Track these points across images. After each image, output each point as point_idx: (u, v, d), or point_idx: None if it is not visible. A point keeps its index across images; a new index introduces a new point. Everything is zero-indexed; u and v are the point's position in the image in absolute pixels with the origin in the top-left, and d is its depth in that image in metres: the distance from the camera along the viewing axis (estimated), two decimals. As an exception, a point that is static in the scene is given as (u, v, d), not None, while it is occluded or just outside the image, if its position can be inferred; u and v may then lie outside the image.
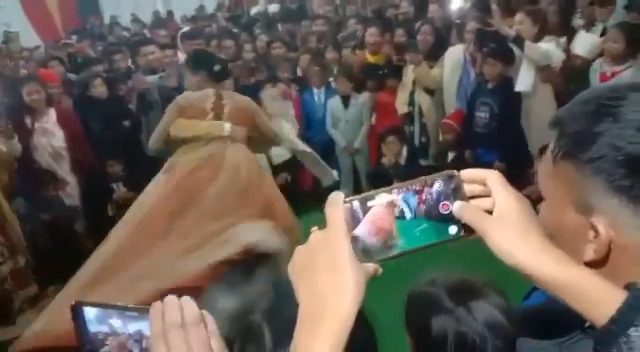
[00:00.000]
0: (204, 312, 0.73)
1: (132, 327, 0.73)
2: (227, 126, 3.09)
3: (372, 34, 5.42)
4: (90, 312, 0.74)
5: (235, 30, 7.20)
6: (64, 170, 4.66)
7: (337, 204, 0.68)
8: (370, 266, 0.67)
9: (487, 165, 4.27)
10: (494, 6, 4.97)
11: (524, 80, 4.08)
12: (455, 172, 0.70)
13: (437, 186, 0.69)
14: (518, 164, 4.25)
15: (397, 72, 5.09)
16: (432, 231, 0.69)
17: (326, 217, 0.68)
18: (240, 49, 5.90)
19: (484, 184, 0.71)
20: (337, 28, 6.54)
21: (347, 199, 0.69)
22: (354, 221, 0.68)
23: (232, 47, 5.85)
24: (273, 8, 10.33)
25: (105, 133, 4.83)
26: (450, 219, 0.69)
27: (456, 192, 0.69)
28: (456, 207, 0.69)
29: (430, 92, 4.84)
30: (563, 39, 4.39)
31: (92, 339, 0.74)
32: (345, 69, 5.15)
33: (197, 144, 3.09)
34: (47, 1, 12.34)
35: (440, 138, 4.76)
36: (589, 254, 0.68)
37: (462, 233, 0.69)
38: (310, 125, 5.22)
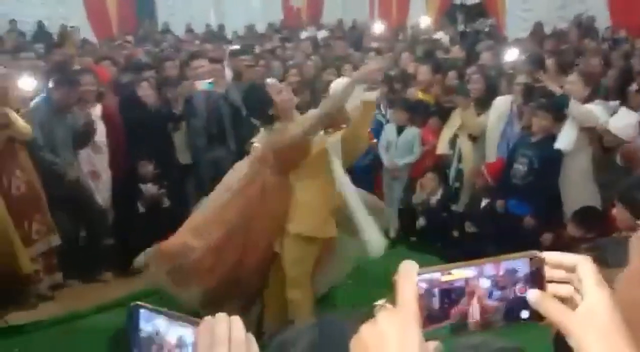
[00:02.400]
0: (249, 335, 0.74)
1: (175, 332, 0.75)
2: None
3: (423, 72, 5.49)
4: (143, 313, 0.76)
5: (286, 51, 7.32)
6: (101, 164, 4.77)
7: (410, 278, 0.64)
8: (432, 344, 0.65)
9: (518, 217, 4.23)
10: (549, 62, 4.98)
11: (564, 138, 4.03)
12: (538, 253, 0.66)
13: (517, 266, 0.66)
14: (548, 222, 4.21)
15: (444, 113, 5.12)
16: (503, 313, 0.66)
17: (397, 291, 0.64)
18: (286, 71, 5.99)
19: (571, 271, 0.66)
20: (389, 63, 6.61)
21: (420, 271, 0.65)
22: (426, 298, 0.65)
23: (279, 69, 5.95)
24: (322, 34, 10.53)
25: (145, 135, 4.93)
26: (524, 302, 0.66)
27: (535, 276, 0.66)
28: (533, 296, 0.65)
29: (473, 138, 4.82)
30: (615, 103, 4.34)
31: (138, 339, 0.76)
32: (402, 101, 5.34)
33: None
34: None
35: (476, 185, 4.72)
36: None
37: (533, 318, 0.66)
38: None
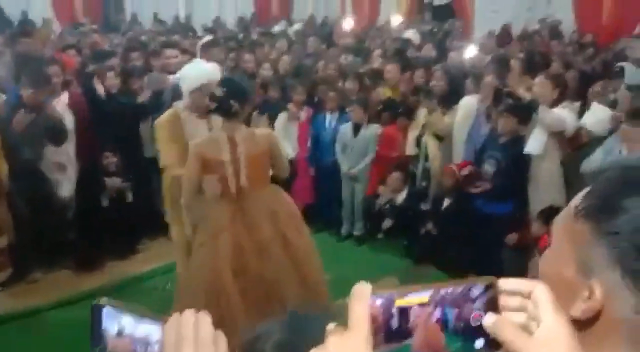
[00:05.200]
0: (218, 332, 0.73)
1: (141, 330, 0.73)
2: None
3: (390, 70, 5.50)
4: (107, 311, 0.73)
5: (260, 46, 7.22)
6: (68, 155, 4.63)
7: (363, 299, 0.63)
8: None
9: (485, 216, 4.29)
10: (513, 63, 5.06)
11: (534, 143, 4.10)
12: (494, 280, 0.66)
13: (472, 292, 0.65)
14: (514, 222, 4.28)
15: (410, 112, 5.12)
16: (457, 342, 0.65)
17: (349, 313, 0.63)
18: (259, 65, 5.94)
19: (526, 297, 0.67)
20: (360, 59, 6.62)
21: (374, 293, 0.63)
22: (384, 317, 0.63)
23: (251, 62, 5.89)
24: (297, 27, 10.47)
25: (110, 126, 4.82)
26: (478, 331, 0.65)
27: (490, 303, 0.65)
28: (490, 321, 0.64)
29: (439, 137, 4.86)
30: (577, 104, 4.45)
31: (101, 337, 0.73)
32: (362, 99, 5.20)
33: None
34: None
35: (443, 184, 4.76)
36: (576, 312, 0.68)
37: (488, 347, 0.65)
38: (318, 147, 5.34)
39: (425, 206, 4.91)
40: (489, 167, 4.25)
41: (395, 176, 4.93)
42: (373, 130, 5.05)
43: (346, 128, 5.10)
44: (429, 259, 4.69)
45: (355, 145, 5.06)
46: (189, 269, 3.19)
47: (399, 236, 5.11)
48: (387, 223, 5.06)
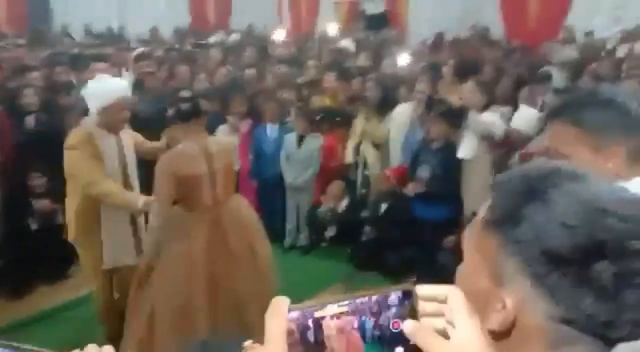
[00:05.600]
0: None
1: None
2: None
3: (329, 80, 5.53)
4: None
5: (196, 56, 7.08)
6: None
7: (279, 314, 0.63)
8: None
9: (422, 220, 4.36)
10: (445, 70, 5.20)
11: (465, 148, 4.23)
12: (412, 287, 0.67)
13: (390, 301, 0.66)
14: (450, 225, 4.37)
15: (348, 120, 5.16)
16: (377, 351, 0.65)
17: (265, 328, 0.63)
18: (193, 77, 5.81)
19: (441, 301, 0.69)
20: (296, 70, 6.61)
21: (291, 307, 0.64)
22: (301, 332, 0.63)
23: (185, 74, 5.75)
24: (234, 37, 10.38)
25: (35, 144, 4.58)
26: (397, 338, 0.65)
27: (408, 310, 0.66)
28: (409, 327, 0.65)
29: (376, 145, 4.92)
30: (507, 109, 4.60)
31: None
32: (304, 109, 5.18)
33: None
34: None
35: (377, 188, 4.83)
36: (493, 323, 0.69)
37: None
38: (261, 159, 5.25)
39: (365, 213, 4.95)
40: (423, 172, 4.33)
41: (335, 185, 4.97)
42: (317, 142, 5.04)
43: (291, 139, 5.08)
44: (371, 264, 4.72)
45: (299, 156, 5.03)
46: (154, 289, 3.02)
47: (342, 243, 5.12)
48: (330, 232, 5.08)
